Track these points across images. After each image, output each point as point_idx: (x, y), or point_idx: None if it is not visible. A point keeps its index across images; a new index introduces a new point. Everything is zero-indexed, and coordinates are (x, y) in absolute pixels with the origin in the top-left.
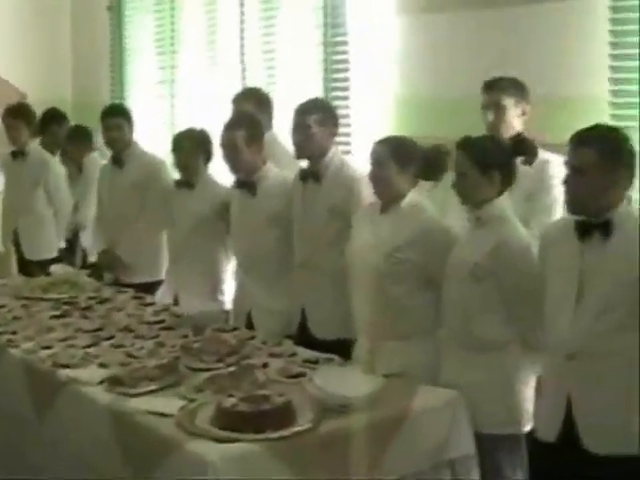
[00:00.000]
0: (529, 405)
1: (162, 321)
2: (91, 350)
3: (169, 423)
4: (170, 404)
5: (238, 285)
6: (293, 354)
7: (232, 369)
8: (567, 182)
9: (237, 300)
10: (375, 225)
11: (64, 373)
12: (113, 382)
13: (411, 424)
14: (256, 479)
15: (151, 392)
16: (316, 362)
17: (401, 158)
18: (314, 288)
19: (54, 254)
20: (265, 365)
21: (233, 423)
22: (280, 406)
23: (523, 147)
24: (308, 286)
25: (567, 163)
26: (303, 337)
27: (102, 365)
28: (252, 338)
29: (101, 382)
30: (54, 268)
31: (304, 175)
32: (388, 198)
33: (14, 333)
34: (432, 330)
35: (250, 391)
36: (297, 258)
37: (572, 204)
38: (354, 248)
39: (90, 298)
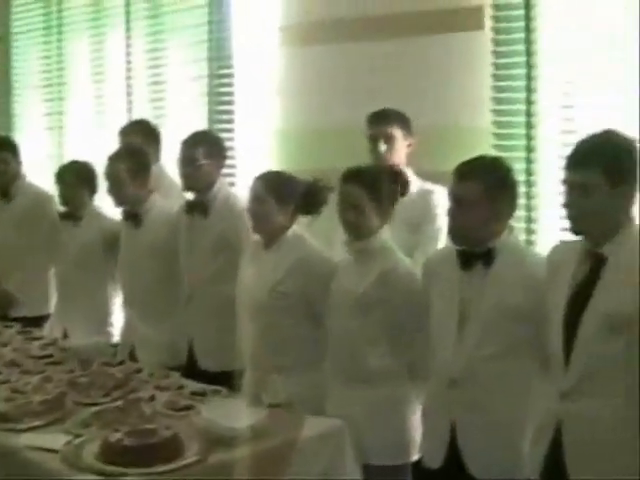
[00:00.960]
0: (417, 435)
1: (49, 355)
2: None
3: (55, 458)
4: (56, 439)
5: (125, 318)
6: (180, 387)
7: (119, 403)
8: (451, 213)
9: (123, 333)
10: (259, 261)
11: None
12: None
13: (297, 453)
14: None
15: (36, 428)
16: (203, 394)
17: (279, 193)
18: (201, 320)
19: None
20: (152, 398)
21: (120, 458)
22: (167, 439)
23: (398, 180)
24: (195, 318)
25: (451, 194)
26: (191, 369)
27: None
28: (139, 371)
29: None
30: None
31: (190, 207)
32: (267, 233)
33: None
34: (317, 362)
35: (137, 425)
36: (183, 290)
37: (456, 235)
38: (241, 285)
39: None
